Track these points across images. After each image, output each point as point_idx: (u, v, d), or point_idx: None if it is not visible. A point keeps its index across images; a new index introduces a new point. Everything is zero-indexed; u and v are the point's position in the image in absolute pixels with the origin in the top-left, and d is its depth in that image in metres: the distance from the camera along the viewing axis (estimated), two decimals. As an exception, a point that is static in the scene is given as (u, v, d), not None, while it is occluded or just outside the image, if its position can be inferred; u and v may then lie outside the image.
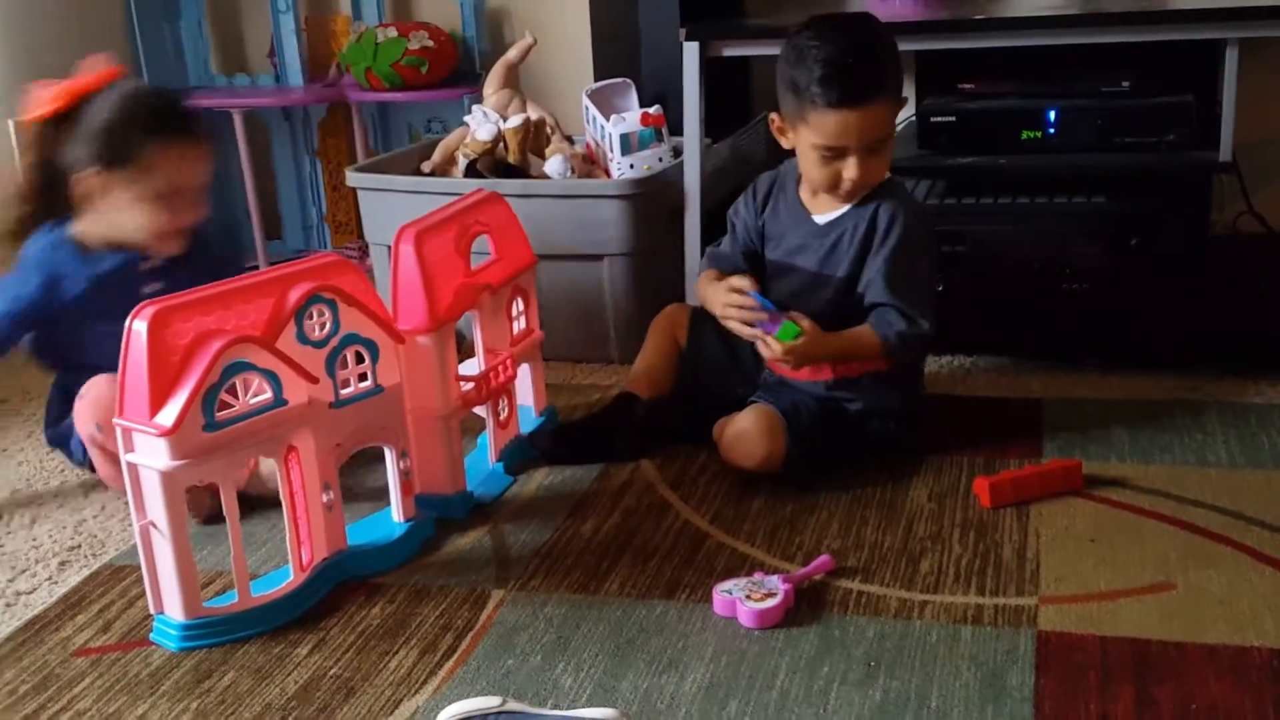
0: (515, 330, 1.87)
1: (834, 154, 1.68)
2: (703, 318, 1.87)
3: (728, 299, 1.73)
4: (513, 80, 2.60)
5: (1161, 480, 1.68)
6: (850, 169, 1.69)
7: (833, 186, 1.72)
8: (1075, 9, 2.18)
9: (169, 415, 1.34)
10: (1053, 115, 2.18)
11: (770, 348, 1.69)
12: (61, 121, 1.75)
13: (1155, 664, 1.27)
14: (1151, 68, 2.19)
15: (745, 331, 1.73)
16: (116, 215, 1.77)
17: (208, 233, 1.89)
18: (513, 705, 1.22)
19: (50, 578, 1.61)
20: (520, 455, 1.86)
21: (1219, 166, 2.05)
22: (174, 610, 1.42)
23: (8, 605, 1.54)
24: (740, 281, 1.73)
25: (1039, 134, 2.19)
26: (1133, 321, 2.08)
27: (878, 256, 1.72)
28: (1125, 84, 2.18)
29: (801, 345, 1.68)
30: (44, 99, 1.76)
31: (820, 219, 1.79)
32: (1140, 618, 1.36)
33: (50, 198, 1.79)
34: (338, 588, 1.52)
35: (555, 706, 1.25)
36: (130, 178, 1.74)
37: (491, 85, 2.59)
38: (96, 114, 1.73)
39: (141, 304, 1.36)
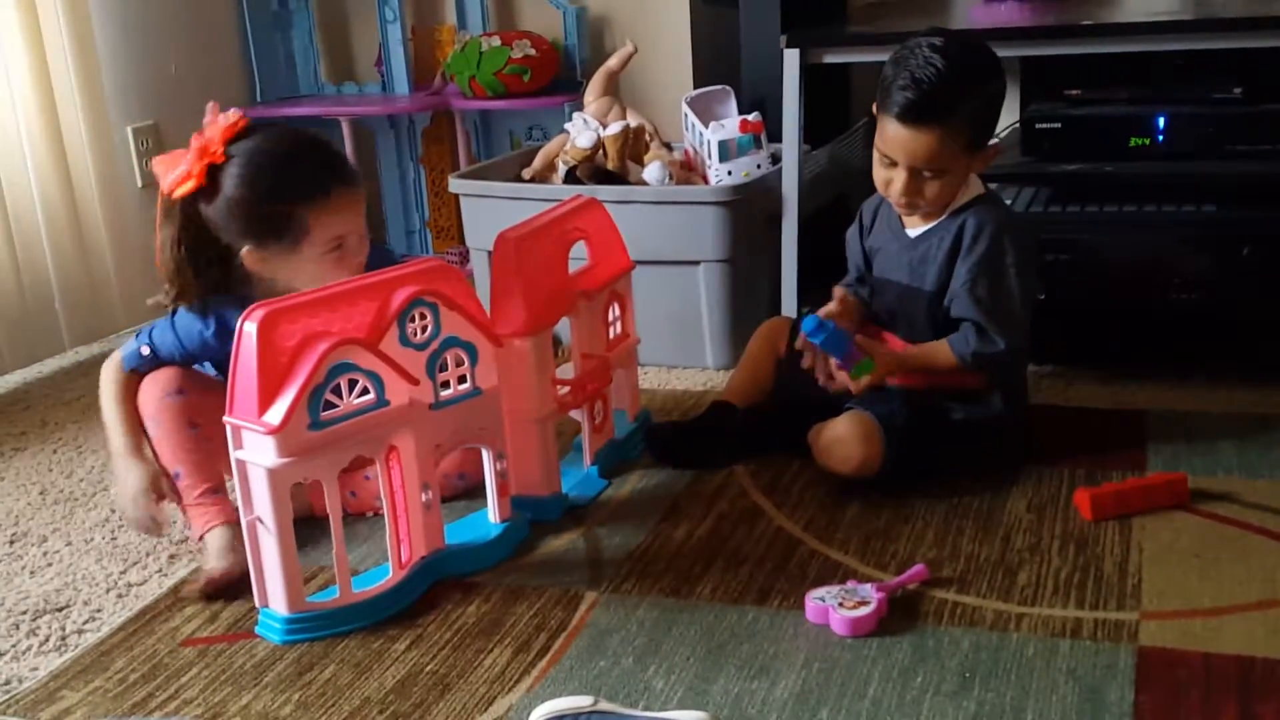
0: (611, 335, 1.88)
1: (887, 161, 1.70)
2: None
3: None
4: (613, 88, 2.62)
5: (1270, 496, 1.64)
6: (896, 182, 1.70)
7: (883, 190, 1.74)
8: (1186, 14, 2.13)
9: (276, 414, 1.38)
10: (1162, 122, 2.14)
11: (848, 384, 1.73)
12: (200, 197, 1.61)
13: (1260, 682, 1.24)
14: (1265, 74, 2.13)
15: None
16: (289, 280, 1.64)
17: (380, 260, 1.68)
18: (604, 705, 1.23)
19: (160, 570, 1.66)
20: (614, 459, 1.87)
21: (1334, 175, 2.00)
22: (278, 604, 1.46)
23: (120, 596, 1.60)
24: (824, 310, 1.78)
25: (1147, 141, 2.15)
26: (1242, 333, 2.03)
27: (962, 268, 1.72)
28: (1237, 90, 2.13)
29: (873, 381, 1.71)
30: (175, 175, 1.60)
31: (911, 232, 1.79)
32: (1245, 635, 1.32)
33: (199, 272, 1.66)
34: (435, 586, 1.54)
35: (646, 708, 1.26)
36: (288, 248, 1.62)
37: (592, 93, 2.62)
38: (232, 188, 1.59)
39: (251, 306, 1.40)
